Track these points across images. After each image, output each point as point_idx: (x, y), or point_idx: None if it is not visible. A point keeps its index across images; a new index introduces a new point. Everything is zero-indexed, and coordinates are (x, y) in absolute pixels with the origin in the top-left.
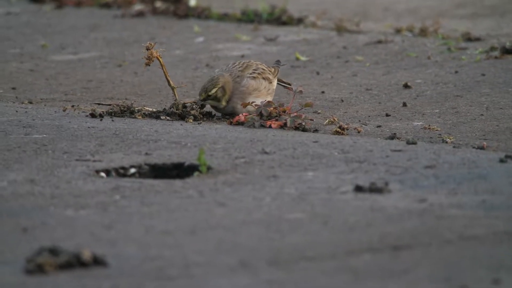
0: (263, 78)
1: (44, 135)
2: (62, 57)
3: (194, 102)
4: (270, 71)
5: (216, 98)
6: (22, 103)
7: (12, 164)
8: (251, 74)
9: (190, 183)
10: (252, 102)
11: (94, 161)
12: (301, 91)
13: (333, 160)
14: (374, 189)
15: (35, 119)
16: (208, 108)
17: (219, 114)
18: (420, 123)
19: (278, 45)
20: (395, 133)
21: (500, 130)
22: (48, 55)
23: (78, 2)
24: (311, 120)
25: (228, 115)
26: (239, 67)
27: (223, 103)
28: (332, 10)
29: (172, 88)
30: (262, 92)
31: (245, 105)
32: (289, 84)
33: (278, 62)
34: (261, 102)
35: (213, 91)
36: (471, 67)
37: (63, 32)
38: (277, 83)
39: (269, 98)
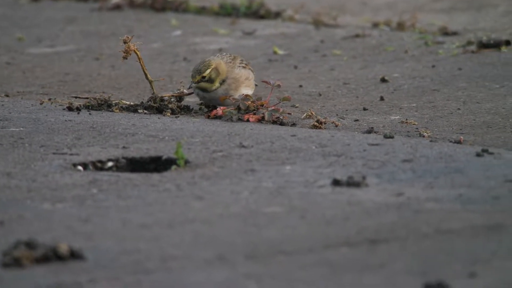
0: (250, 69)
1: (21, 128)
2: (39, 50)
3: (172, 95)
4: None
5: (210, 80)
6: None
7: None
8: (240, 64)
9: (168, 176)
10: (230, 96)
11: (71, 154)
12: (279, 85)
13: (311, 154)
14: (351, 183)
15: (11, 112)
16: (186, 101)
17: (196, 108)
18: (397, 117)
19: (255, 39)
20: (372, 127)
21: (476, 124)
22: (24, 48)
23: None
24: (289, 114)
25: (213, 102)
26: (229, 57)
27: (216, 84)
28: (310, 4)
29: (150, 82)
30: (251, 82)
31: (223, 98)
32: None
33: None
34: (239, 96)
35: (207, 71)
36: (448, 61)
37: (39, 25)
38: None
39: (250, 91)
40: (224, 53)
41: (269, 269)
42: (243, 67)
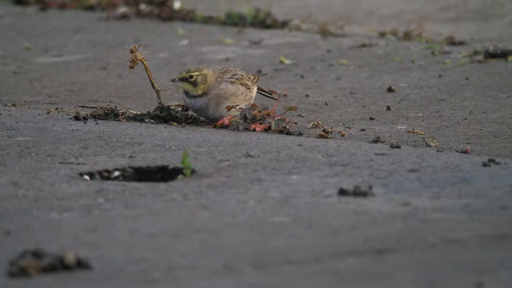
0: (241, 84)
1: (28, 138)
2: (46, 60)
3: (179, 105)
4: (249, 78)
5: (194, 83)
6: (6, 105)
7: None
8: (229, 78)
9: (174, 186)
10: (236, 105)
11: (78, 164)
12: (285, 94)
13: (317, 163)
14: (358, 193)
15: (18, 121)
16: (193, 112)
17: (203, 118)
18: (404, 126)
19: (262, 48)
20: (379, 137)
21: (483, 134)
22: (32, 58)
23: (62, 5)
24: (295, 123)
25: (198, 113)
26: (220, 70)
27: (199, 91)
28: (317, 14)
29: (156, 91)
30: (239, 98)
31: (229, 108)
32: (270, 94)
33: (259, 71)
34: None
35: (196, 73)
36: (455, 71)
37: (47, 34)
38: (258, 92)
39: (243, 106)
40: (218, 67)
41: (276, 278)
42: (231, 82)
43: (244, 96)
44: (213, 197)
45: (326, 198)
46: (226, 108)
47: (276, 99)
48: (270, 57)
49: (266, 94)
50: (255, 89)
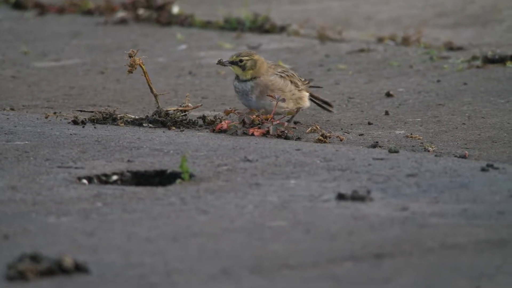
0: (291, 81)
1: (26, 142)
2: (44, 64)
3: (177, 109)
4: (300, 79)
5: (244, 67)
6: (4, 109)
7: None
8: (279, 72)
9: (172, 190)
10: (280, 99)
11: (76, 168)
12: (283, 99)
13: (316, 168)
14: (356, 197)
15: (17, 125)
16: (191, 115)
17: (201, 122)
18: (402, 131)
19: (261, 53)
20: (377, 142)
21: (481, 139)
22: (30, 62)
23: (61, 9)
24: (293, 128)
25: (243, 98)
26: (273, 63)
27: (248, 75)
28: (315, 19)
29: (155, 96)
30: (286, 95)
31: (272, 96)
32: (326, 103)
33: (311, 80)
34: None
35: (246, 58)
36: (453, 76)
37: (45, 39)
38: (311, 100)
39: (291, 104)
40: (270, 61)
41: (274, 283)
42: (281, 76)
43: (291, 94)
44: (211, 202)
45: (324, 203)
46: (268, 96)
47: (331, 111)
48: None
49: (320, 104)
50: (305, 93)
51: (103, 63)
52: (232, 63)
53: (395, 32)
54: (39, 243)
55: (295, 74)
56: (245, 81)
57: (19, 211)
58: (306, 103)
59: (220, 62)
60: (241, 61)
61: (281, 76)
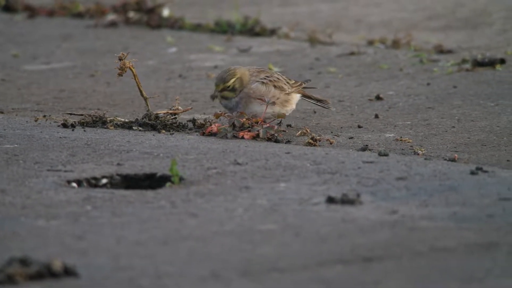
0: (275, 86)
1: (15, 145)
2: (34, 67)
3: (167, 112)
4: (288, 82)
5: (233, 89)
6: None
7: None
8: (261, 79)
9: (162, 193)
10: (269, 103)
11: (66, 171)
12: (274, 102)
13: (305, 171)
14: (346, 201)
15: (6, 129)
16: (181, 119)
17: (191, 125)
18: (392, 134)
19: (251, 56)
20: (367, 145)
21: (471, 142)
22: (20, 65)
23: (51, 12)
24: (283, 131)
25: (230, 111)
26: (256, 69)
27: (237, 93)
28: (305, 22)
29: (145, 99)
30: (270, 100)
31: (217, 116)
32: (322, 102)
33: (308, 80)
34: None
35: (231, 81)
36: (443, 79)
37: (35, 41)
38: (305, 99)
39: (277, 108)
40: (255, 67)
41: (264, 286)
42: (263, 82)
43: (275, 98)
44: (201, 205)
45: (314, 206)
46: (258, 99)
47: (328, 108)
48: (259, 65)
49: (316, 103)
50: (295, 96)
51: (93, 66)
52: (223, 90)
53: (386, 35)
54: (28, 247)
55: (281, 78)
56: (230, 98)
57: (8, 214)
58: (293, 106)
59: (213, 97)
60: (227, 87)
61: (263, 83)
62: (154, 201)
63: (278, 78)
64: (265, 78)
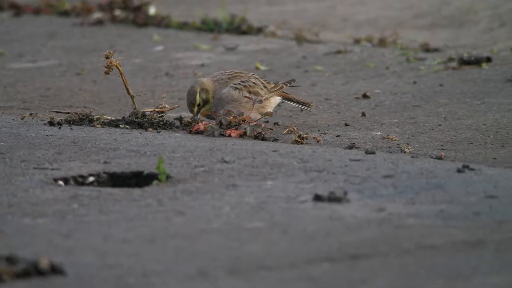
0: (249, 92)
1: (2, 143)
2: (20, 65)
3: (154, 110)
4: (266, 86)
5: (206, 101)
6: None
7: None
8: (235, 84)
9: (149, 191)
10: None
11: (52, 169)
12: (260, 101)
13: (292, 169)
14: (333, 199)
15: None
16: (168, 117)
17: (178, 123)
18: (379, 133)
19: (238, 54)
20: (354, 143)
21: (457, 140)
22: (6, 63)
23: (37, 10)
24: (270, 129)
25: (209, 118)
26: (228, 75)
27: (211, 100)
28: (292, 20)
29: (132, 97)
30: (243, 105)
31: (205, 114)
32: (304, 104)
33: (292, 80)
34: (223, 111)
35: (197, 98)
36: (430, 77)
37: (21, 40)
38: (287, 101)
39: (254, 114)
40: (227, 71)
41: (251, 284)
42: (236, 88)
43: (251, 104)
44: (188, 203)
45: (301, 204)
46: (202, 114)
47: (309, 110)
48: (246, 63)
49: (297, 105)
50: (273, 99)
51: (79, 64)
52: (198, 112)
53: (372, 34)
54: (15, 245)
55: (258, 82)
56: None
57: None
58: (270, 109)
59: (196, 121)
60: (199, 105)
61: (236, 88)
62: (141, 199)
63: (254, 83)
64: (239, 84)
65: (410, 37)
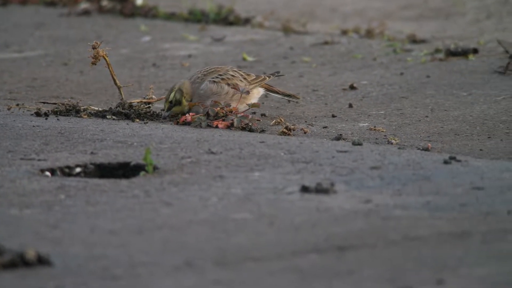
0: (227, 84)
1: None
2: (7, 55)
3: (141, 101)
4: (245, 78)
5: (178, 102)
6: None
7: None
8: (213, 78)
9: (136, 182)
10: (199, 103)
11: (39, 160)
12: (248, 92)
13: (280, 160)
14: (320, 190)
15: None
16: (155, 108)
17: (166, 114)
18: (366, 124)
19: (225, 45)
20: (341, 134)
21: (444, 131)
22: None
23: (23, 0)
24: (258, 120)
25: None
26: (204, 72)
27: (185, 103)
28: (279, 11)
29: (119, 88)
30: (223, 97)
31: (191, 105)
32: (290, 96)
33: (277, 72)
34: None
35: (171, 96)
36: (416, 68)
37: (7, 30)
38: (270, 93)
39: (234, 104)
40: (205, 68)
41: (238, 275)
42: (213, 81)
43: (230, 96)
44: (175, 194)
45: (288, 195)
46: (188, 105)
47: (296, 102)
48: (233, 54)
49: (283, 97)
50: (256, 90)
51: (66, 54)
52: (169, 108)
53: (360, 25)
54: (1, 236)
55: (237, 75)
56: (187, 111)
57: None
58: (253, 101)
59: (164, 117)
60: (170, 102)
61: (214, 82)
62: (128, 190)
63: (232, 75)
64: (216, 77)
65: (397, 28)
